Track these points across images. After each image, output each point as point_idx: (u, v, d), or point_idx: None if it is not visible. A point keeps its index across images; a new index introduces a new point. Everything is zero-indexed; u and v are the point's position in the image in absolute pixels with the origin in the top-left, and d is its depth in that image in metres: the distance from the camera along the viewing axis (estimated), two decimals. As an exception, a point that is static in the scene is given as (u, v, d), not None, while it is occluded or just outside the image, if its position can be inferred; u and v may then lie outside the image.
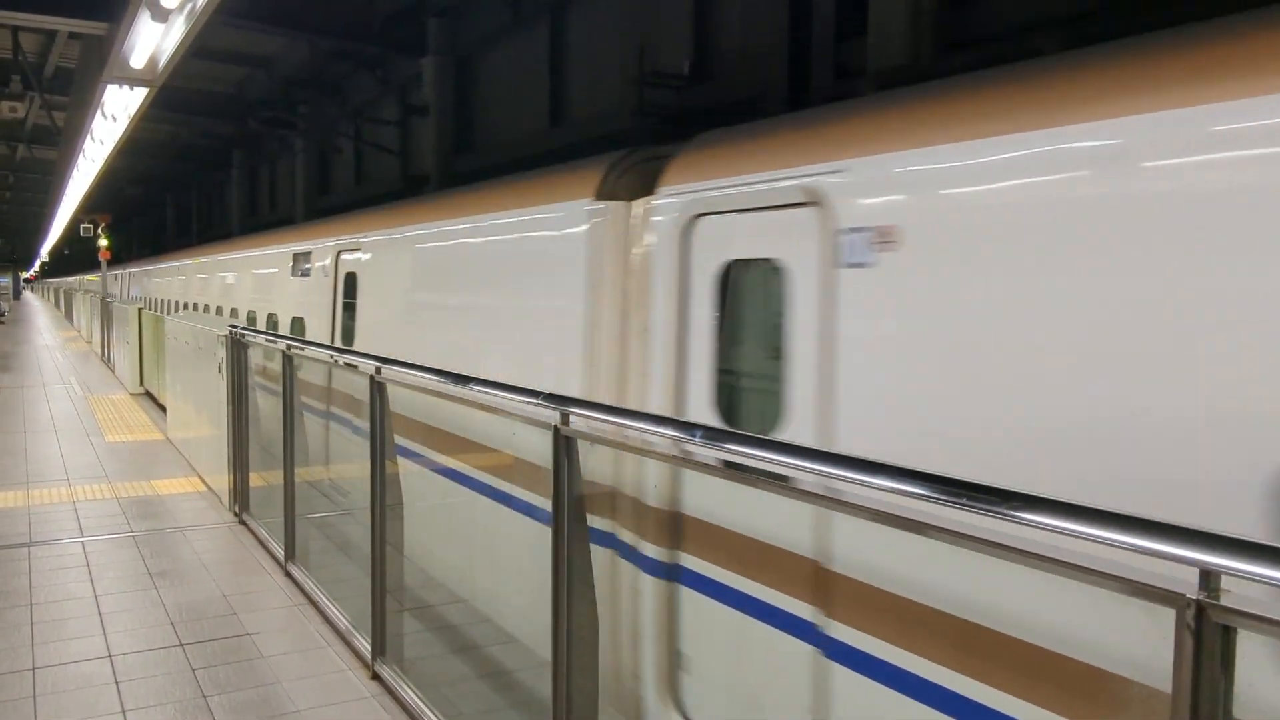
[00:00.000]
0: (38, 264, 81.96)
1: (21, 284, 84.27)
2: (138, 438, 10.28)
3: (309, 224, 11.75)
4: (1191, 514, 2.09)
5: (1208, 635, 1.24)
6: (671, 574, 3.66)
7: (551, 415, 2.84)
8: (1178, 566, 1.31)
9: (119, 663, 4.30)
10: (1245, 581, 1.24)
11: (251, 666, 4.29)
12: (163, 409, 11.70)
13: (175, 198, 33.27)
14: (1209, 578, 1.26)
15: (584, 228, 4.32)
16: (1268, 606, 1.22)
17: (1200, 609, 1.25)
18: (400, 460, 4.66)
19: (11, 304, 58.05)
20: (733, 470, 2.41)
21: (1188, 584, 1.29)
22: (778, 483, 2.16)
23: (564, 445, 2.80)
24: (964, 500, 1.68)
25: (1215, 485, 2.04)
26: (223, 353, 6.86)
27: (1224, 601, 1.24)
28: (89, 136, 12.22)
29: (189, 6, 6.23)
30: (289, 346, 5.64)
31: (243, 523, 6.68)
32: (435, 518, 5.69)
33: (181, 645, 4.52)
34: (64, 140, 16.36)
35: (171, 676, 4.17)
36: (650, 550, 3.74)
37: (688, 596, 3.58)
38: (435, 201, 6.92)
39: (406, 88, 14.68)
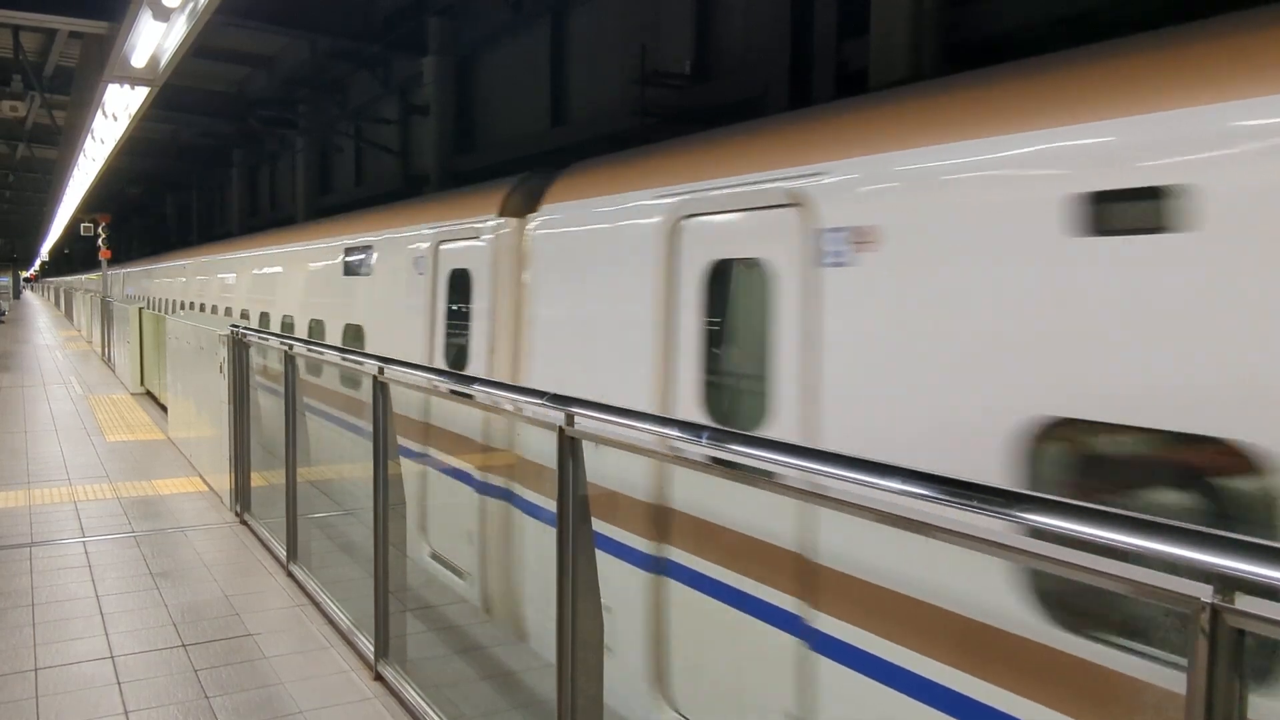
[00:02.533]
0: (38, 263, 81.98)
1: (22, 283, 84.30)
2: (138, 437, 10.27)
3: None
4: None
5: (1223, 640, 1.23)
6: None
7: (556, 416, 2.83)
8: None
9: (121, 664, 4.29)
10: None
11: (254, 667, 4.29)
12: (163, 408, 11.69)
13: (176, 197, 33.28)
14: (1224, 581, 1.25)
15: None
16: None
17: (1215, 613, 1.24)
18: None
19: (11, 303, 58.05)
20: (738, 471, 2.40)
21: (1201, 588, 1.28)
22: (783, 484, 2.15)
23: (569, 446, 2.79)
24: (972, 502, 1.67)
25: None
26: (224, 352, 6.85)
27: (1239, 606, 1.23)
28: (90, 136, 12.22)
29: (190, 6, 6.23)
30: (290, 346, 5.63)
31: (244, 523, 6.67)
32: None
33: (184, 646, 4.51)
34: (64, 139, 16.36)
35: (174, 677, 4.16)
36: None
37: None
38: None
39: (407, 87, 14.67)
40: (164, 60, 7.57)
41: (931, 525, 1.76)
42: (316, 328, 9.00)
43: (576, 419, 2.78)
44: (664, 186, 4.30)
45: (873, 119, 3.48)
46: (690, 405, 3.96)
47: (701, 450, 2.36)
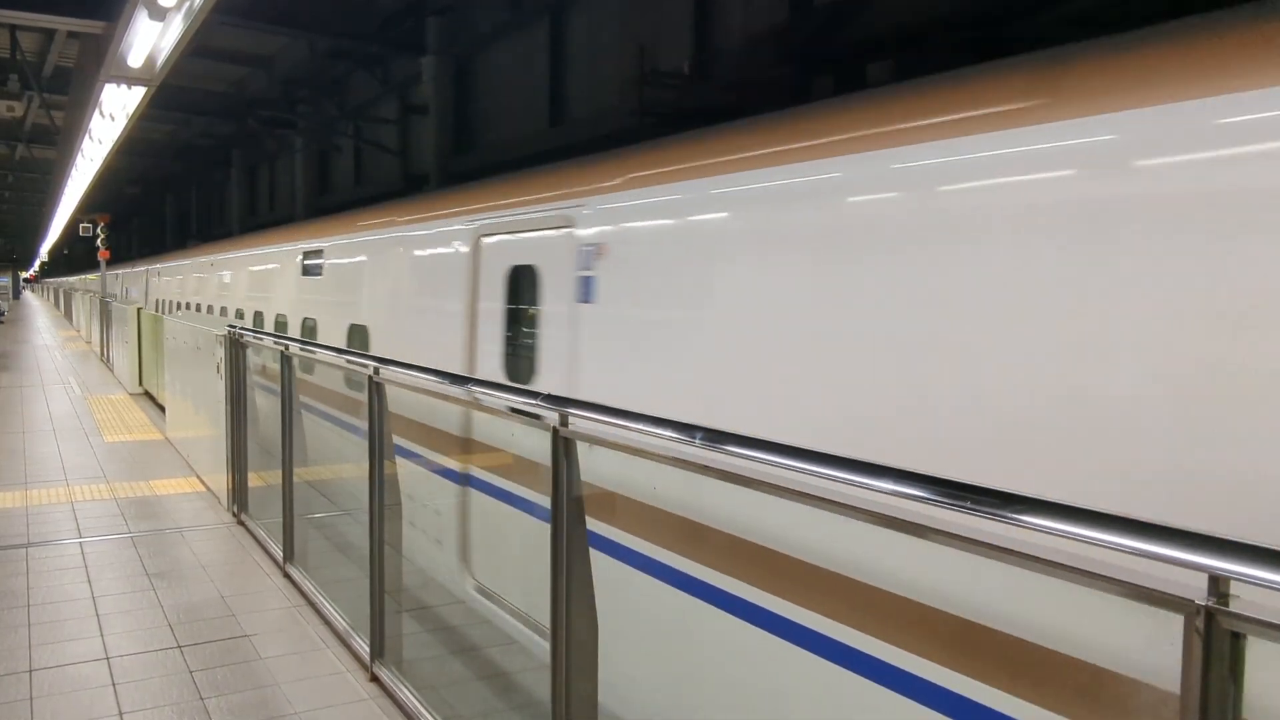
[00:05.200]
0: (37, 264, 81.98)
1: (21, 284, 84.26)
2: (136, 438, 10.26)
3: None
4: None
5: (1217, 641, 1.22)
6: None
7: (550, 416, 2.82)
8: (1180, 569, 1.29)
9: (116, 664, 4.28)
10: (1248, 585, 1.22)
11: (250, 668, 4.28)
12: (161, 409, 11.68)
13: (175, 197, 33.28)
14: (1218, 583, 1.24)
15: None
16: (1278, 612, 1.20)
17: (1209, 615, 1.23)
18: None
19: (11, 303, 58.02)
20: (731, 471, 2.39)
21: (1195, 589, 1.27)
22: (776, 485, 2.14)
23: (562, 446, 2.78)
24: (966, 503, 1.66)
25: None
26: (221, 353, 6.84)
27: (1233, 607, 1.22)
28: (88, 136, 12.20)
29: (186, 5, 6.21)
30: (288, 346, 5.62)
31: (241, 523, 6.66)
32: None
33: (179, 647, 4.50)
34: (63, 140, 16.34)
35: (169, 678, 4.15)
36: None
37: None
38: None
39: (406, 87, 14.66)
40: (161, 60, 7.56)
41: (924, 526, 1.75)
42: None
43: (571, 419, 2.77)
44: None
45: None
46: None
47: (695, 451, 2.36)
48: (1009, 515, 1.58)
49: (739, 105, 7.74)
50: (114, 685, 4.07)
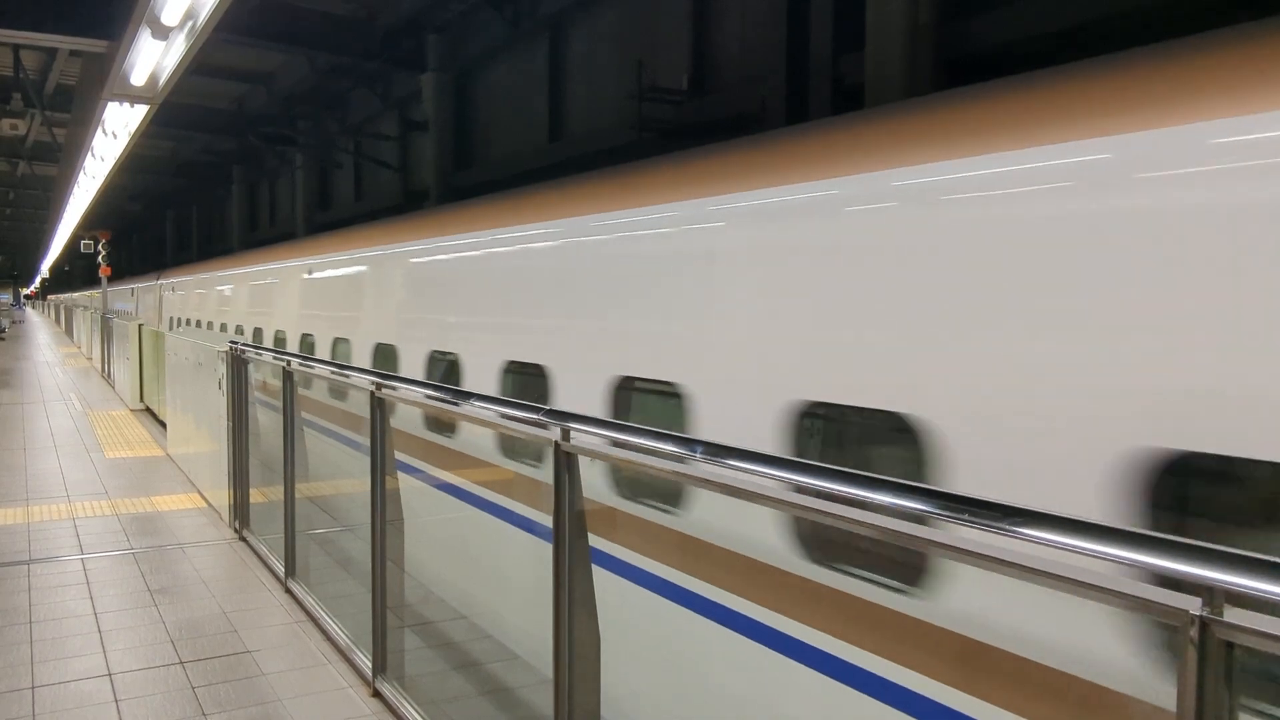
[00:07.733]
0: (38, 280, 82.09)
1: (22, 300, 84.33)
2: (138, 454, 10.26)
3: None
4: None
5: (1211, 652, 1.24)
6: None
7: (552, 431, 2.84)
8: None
9: (119, 681, 4.28)
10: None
11: (252, 684, 4.28)
12: (162, 425, 11.69)
13: (176, 213, 33.37)
14: (1212, 594, 1.25)
15: None
16: (1272, 623, 1.22)
17: (1204, 625, 1.24)
18: None
19: (12, 315, 58.06)
20: (734, 486, 2.41)
21: (1191, 600, 1.29)
22: (776, 499, 2.16)
23: (564, 461, 2.79)
24: (965, 516, 1.68)
25: None
26: (223, 369, 6.86)
27: (1228, 618, 1.24)
28: (89, 153, 12.25)
29: (189, 24, 6.26)
30: (289, 362, 5.64)
31: (243, 539, 6.66)
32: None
33: (181, 663, 4.50)
34: (64, 157, 16.40)
35: (171, 694, 4.15)
36: None
37: None
38: None
39: (406, 103, 14.75)
40: (163, 78, 7.60)
41: (925, 540, 1.77)
42: None
43: (573, 434, 2.79)
44: None
45: None
46: None
47: (697, 465, 2.37)
48: (1009, 528, 1.59)
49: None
50: (116, 701, 4.07)
